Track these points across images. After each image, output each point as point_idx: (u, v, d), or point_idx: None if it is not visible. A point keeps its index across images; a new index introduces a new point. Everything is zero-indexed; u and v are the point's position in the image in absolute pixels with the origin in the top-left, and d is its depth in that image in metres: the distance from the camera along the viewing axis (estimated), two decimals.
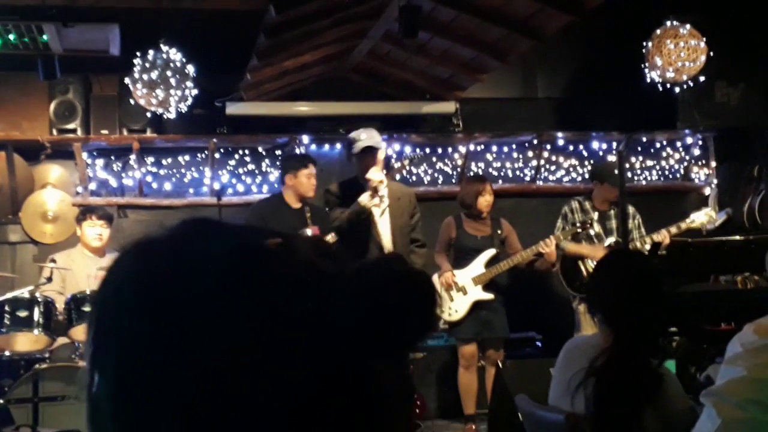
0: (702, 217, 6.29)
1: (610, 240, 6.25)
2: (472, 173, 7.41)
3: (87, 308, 5.19)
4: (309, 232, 5.46)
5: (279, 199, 5.88)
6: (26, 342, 5.28)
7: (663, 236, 6.10)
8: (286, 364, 0.64)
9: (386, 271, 0.71)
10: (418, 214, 5.65)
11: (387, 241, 5.43)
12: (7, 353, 5.36)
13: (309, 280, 0.68)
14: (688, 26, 6.29)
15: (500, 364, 5.57)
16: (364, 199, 5.28)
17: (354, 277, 0.69)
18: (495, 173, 7.64)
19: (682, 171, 8.01)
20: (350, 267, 0.71)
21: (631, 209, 6.18)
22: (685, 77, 6.34)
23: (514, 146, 7.73)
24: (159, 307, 0.66)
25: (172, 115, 6.15)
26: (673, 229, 6.18)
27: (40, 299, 5.23)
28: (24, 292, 5.29)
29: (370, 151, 5.34)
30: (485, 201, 6.15)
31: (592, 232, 6.28)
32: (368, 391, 0.68)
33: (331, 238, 5.19)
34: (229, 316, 0.65)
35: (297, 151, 7.08)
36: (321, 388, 0.65)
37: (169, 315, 0.65)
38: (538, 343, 6.87)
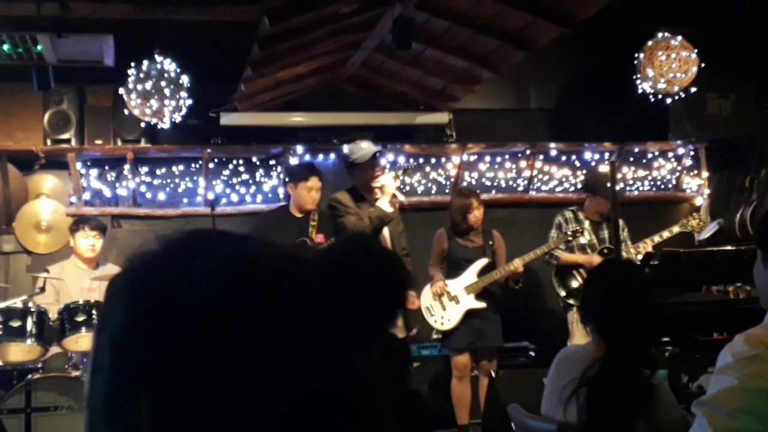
0: (693, 223, 6.32)
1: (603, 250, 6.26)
2: (465, 183, 7.42)
3: (80, 318, 5.18)
4: (310, 241, 5.47)
5: (283, 209, 5.99)
6: (19, 352, 5.27)
7: (645, 245, 6.14)
8: (267, 354, 0.65)
9: (353, 250, 0.73)
10: (402, 223, 5.83)
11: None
12: None
13: (286, 267, 0.69)
14: (679, 38, 6.33)
15: (493, 374, 5.59)
16: (385, 205, 5.36)
17: (322, 259, 0.71)
18: (488, 183, 7.65)
19: (674, 181, 8.03)
20: (317, 252, 0.72)
21: (620, 221, 6.19)
22: (676, 88, 6.37)
23: (507, 157, 7.75)
24: (151, 314, 0.67)
25: (166, 126, 6.16)
26: (656, 238, 6.23)
27: (33, 309, 5.23)
28: (17, 302, 5.28)
29: (377, 158, 5.39)
30: (474, 217, 6.13)
31: (583, 240, 6.28)
32: (345, 374, 0.68)
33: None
34: (217, 317, 0.66)
35: (291, 161, 7.08)
36: (300, 376, 0.66)
37: (161, 321, 0.67)
38: (532, 353, 6.85)
